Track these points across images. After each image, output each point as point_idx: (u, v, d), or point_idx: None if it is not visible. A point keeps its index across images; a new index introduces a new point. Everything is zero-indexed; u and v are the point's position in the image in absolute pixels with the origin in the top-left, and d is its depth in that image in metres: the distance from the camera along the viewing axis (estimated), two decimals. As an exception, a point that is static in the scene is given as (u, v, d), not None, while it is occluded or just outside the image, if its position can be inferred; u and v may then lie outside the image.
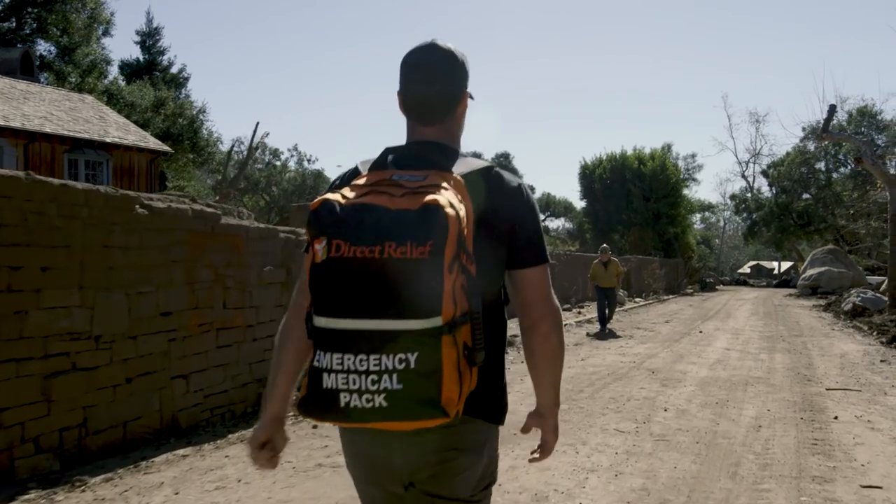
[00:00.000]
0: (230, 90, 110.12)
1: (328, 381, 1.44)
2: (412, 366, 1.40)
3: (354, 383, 1.41)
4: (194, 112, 27.38)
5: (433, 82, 1.77)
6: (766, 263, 72.54)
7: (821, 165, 50.58)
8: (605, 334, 14.55)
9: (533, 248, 1.76)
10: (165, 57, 44.41)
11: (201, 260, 6.29)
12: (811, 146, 50.16)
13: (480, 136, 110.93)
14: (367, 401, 1.41)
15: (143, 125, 27.85)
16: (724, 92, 78.91)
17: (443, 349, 1.41)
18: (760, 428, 6.35)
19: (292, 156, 65.43)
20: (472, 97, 1.87)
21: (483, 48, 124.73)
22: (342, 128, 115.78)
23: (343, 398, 1.43)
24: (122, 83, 28.05)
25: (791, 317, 20.32)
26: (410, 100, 1.80)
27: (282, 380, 1.77)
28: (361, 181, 1.61)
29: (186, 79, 44.68)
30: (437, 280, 1.39)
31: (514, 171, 68.55)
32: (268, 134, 24.40)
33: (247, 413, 6.77)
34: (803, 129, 37.73)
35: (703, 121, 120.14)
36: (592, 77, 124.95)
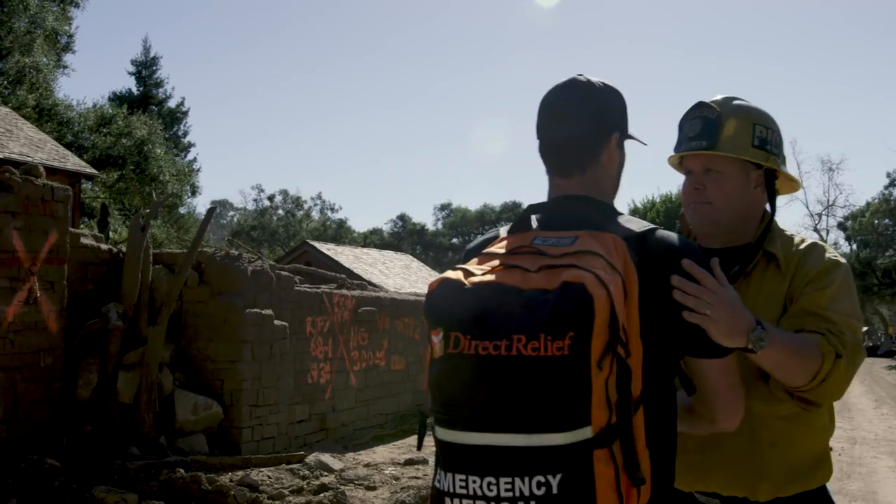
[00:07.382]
0: (259, 140, 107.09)
1: None
2: (554, 491, 1.11)
3: None
4: (145, 132, 22.07)
5: (566, 125, 1.45)
6: (838, 328, 65.31)
7: (908, 216, 44.67)
8: None
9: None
10: (162, 89, 41.06)
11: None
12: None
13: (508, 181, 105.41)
14: None
15: (79, 147, 22.48)
16: (793, 137, 71.79)
17: (595, 467, 1.12)
18: None
19: (315, 204, 61.41)
20: (637, 140, 1.51)
21: (521, 93, 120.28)
22: (370, 177, 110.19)
23: None
24: (61, 97, 23.18)
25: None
26: (543, 147, 1.50)
27: None
28: (496, 247, 1.34)
29: (185, 113, 40.97)
30: (583, 381, 1.11)
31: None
32: (216, 208, 18.88)
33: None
34: None
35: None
36: (644, 120, 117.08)
